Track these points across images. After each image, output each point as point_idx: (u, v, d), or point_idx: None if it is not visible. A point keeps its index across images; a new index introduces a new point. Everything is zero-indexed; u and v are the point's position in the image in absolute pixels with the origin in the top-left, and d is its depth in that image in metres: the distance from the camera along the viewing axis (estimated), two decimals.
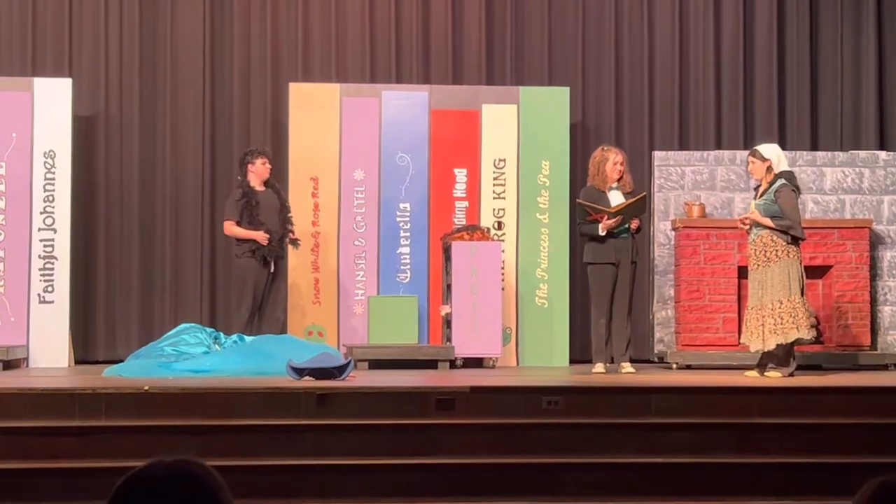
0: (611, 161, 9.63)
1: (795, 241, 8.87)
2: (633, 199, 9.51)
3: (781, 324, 8.74)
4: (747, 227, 9.00)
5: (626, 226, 9.50)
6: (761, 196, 8.99)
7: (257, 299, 10.03)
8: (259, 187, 10.16)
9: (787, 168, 9.10)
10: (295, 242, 10.22)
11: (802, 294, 8.82)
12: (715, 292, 10.48)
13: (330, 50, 11.54)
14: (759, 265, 8.90)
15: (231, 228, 10.11)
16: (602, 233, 9.45)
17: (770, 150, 9.14)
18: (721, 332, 10.44)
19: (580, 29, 11.79)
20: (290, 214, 10.26)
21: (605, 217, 9.42)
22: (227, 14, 11.49)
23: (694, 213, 10.63)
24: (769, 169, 8.99)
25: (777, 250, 8.82)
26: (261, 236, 9.97)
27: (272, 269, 10.03)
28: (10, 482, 6.43)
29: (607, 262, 9.52)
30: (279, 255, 10.09)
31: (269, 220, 10.06)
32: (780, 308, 8.75)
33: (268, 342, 9.21)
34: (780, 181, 8.90)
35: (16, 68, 11.12)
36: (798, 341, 8.78)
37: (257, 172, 10.15)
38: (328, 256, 10.86)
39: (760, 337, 8.82)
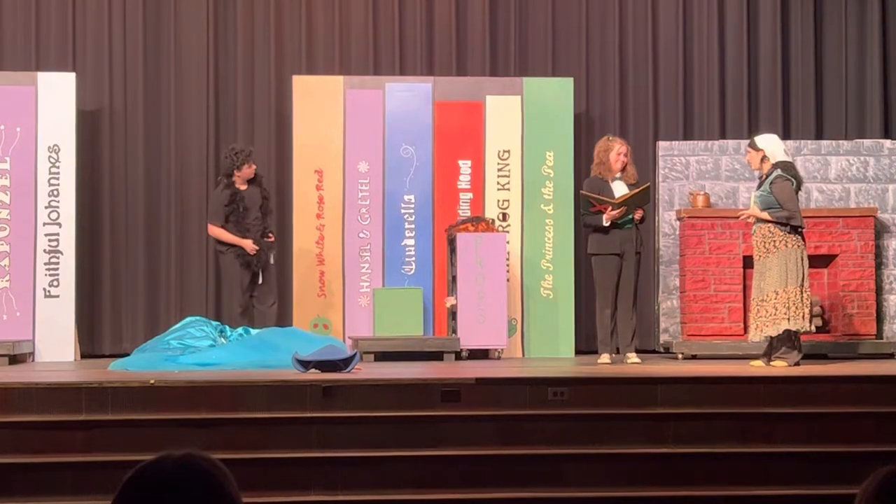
0: (615, 151, 9.64)
1: (795, 230, 8.85)
2: (637, 190, 9.51)
3: (775, 314, 8.75)
4: (749, 219, 9.01)
5: (630, 216, 9.50)
6: (759, 187, 9.01)
7: (245, 294, 10.06)
8: (243, 186, 10.17)
9: (785, 158, 9.06)
10: (271, 246, 10.19)
11: (803, 285, 8.80)
12: (720, 282, 10.48)
13: (333, 42, 11.53)
14: (760, 256, 8.92)
15: (216, 232, 10.11)
16: (606, 223, 9.45)
17: (765, 140, 9.14)
18: (726, 322, 10.43)
19: (584, 19, 11.77)
20: (271, 208, 10.29)
21: (609, 208, 9.42)
22: (230, 7, 11.48)
23: (699, 202, 10.62)
24: (763, 159, 8.99)
25: (775, 241, 8.82)
26: (249, 246, 9.99)
27: (259, 281, 10.07)
28: (18, 476, 6.44)
29: (612, 252, 9.53)
30: (265, 264, 10.10)
31: (254, 217, 10.09)
32: (775, 299, 8.75)
33: (273, 335, 9.23)
34: (776, 172, 8.89)
35: (20, 63, 11.12)
36: (793, 332, 8.76)
37: (243, 175, 10.16)
38: (333, 249, 10.86)
39: (758, 327, 8.85)
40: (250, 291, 10.11)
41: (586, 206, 9.59)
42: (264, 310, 10.09)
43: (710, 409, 7.19)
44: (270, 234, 10.22)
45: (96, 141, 11.21)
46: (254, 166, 10.23)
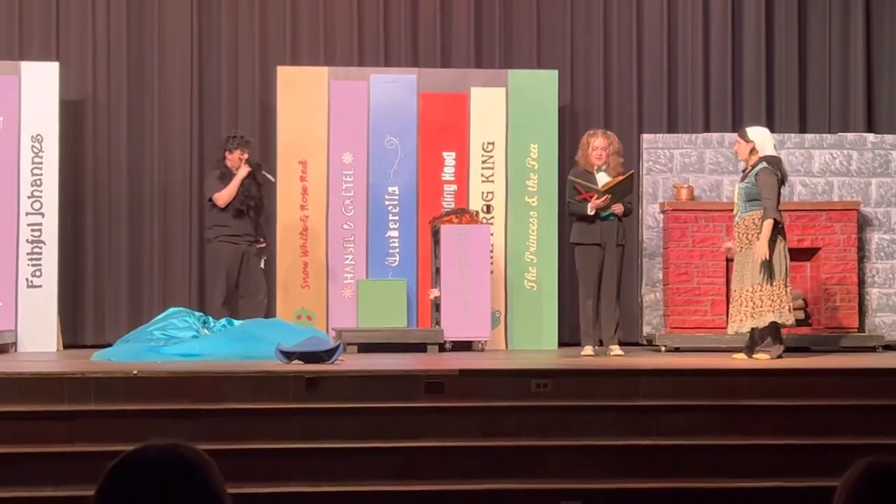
0: (591, 147, 9.64)
1: (776, 225, 8.86)
2: (621, 178, 9.50)
3: (760, 307, 8.77)
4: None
5: (610, 211, 9.49)
6: (743, 179, 9.03)
7: (231, 283, 10.06)
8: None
9: (773, 153, 9.07)
10: (262, 251, 10.25)
11: (785, 278, 8.83)
12: (703, 275, 10.50)
13: (318, 33, 11.52)
14: (741, 247, 8.95)
15: (219, 197, 10.10)
16: (591, 212, 9.45)
17: (756, 132, 9.16)
18: (709, 315, 10.46)
19: (569, 11, 11.77)
20: (265, 204, 10.30)
21: (595, 196, 9.42)
22: None
23: (682, 195, 10.63)
24: (752, 151, 9.01)
25: (758, 234, 8.84)
26: (243, 171, 10.00)
27: (245, 242, 10.03)
28: None
29: (592, 242, 9.53)
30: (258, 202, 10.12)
31: (245, 207, 10.14)
32: (760, 292, 8.78)
33: (257, 326, 9.22)
34: (761, 165, 8.90)
35: (3, 52, 11.08)
36: (777, 325, 8.80)
37: (233, 161, 10.20)
38: (317, 240, 10.85)
39: (739, 319, 8.87)
40: (238, 279, 10.09)
41: (572, 194, 9.58)
42: (254, 304, 10.08)
43: (693, 402, 7.21)
44: (261, 239, 10.24)
45: (79, 131, 11.17)
46: (245, 155, 10.21)
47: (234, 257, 10.06)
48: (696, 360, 8.79)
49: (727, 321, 9.38)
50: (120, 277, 11.18)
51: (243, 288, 10.13)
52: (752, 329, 8.87)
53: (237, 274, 10.08)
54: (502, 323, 10.90)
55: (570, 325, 10.86)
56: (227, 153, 10.21)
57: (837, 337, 10.33)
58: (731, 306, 9.11)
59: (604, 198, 9.41)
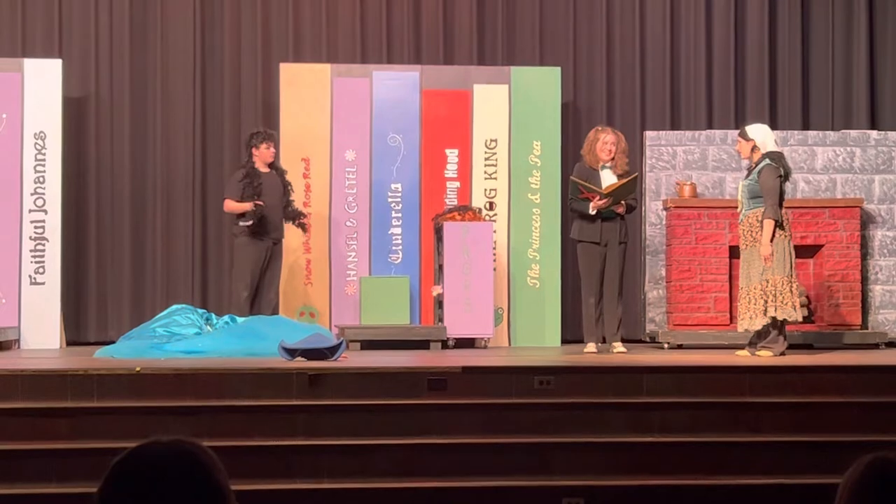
0: (601, 141, 9.66)
1: (780, 223, 8.87)
2: (625, 180, 9.51)
3: (767, 303, 8.77)
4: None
5: (612, 210, 9.49)
6: (747, 177, 9.04)
7: (255, 278, 10.02)
8: (264, 169, 10.17)
9: (775, 149, 9.09)
10: (303, 226, 10.27)
11: (791, 274, 8.83)
12: (706, 272, 10.50)
13: (321, 30, 11.51)
14: (746, 245, 8.94)
15: (228, 205, 10.10)
16: (592, 212, 9.46)
17: (756, 130, 9.16)
18: (712, 312, 10.45)
19: (571, 8, 11.76)
20: (291, 198, 10.27)
21: (597, 197, 9.43)
22: None
23: (685, 192, 10.63)
24: (754, 149, 9.01)
25: (762, 231, 8.83)
26: (249, 206, 9.96)
27: (271, 240, 10.02)
28: (2, 463, 6.43)
29: (593, 240, 9.54)
30: (272, 220, 10.09)
31: (272, 203, 10.07)
32: (767, 288, 8.78)
33: (260, 323, 9.23)
34: (765, 161, 8.91)
35: (5, 49, 11.08)
36: (785, 321, 8.80)
37: (261, 156, 10.17)
38: (320, 237, 10.85)
39: (748, 317, 8.86)
40: (261, 275, 10.05)
41: (575, 193, 9.59)
42: (264, 301, 10.06)
43: (696, 399, 7.21)
44: (303, 215, 10.25)
45: (82, 128, 11.17)
46: (273, 149, 10.21)
47: (260, 252, 10.04)
48: (700, 357, 8.79)
49: (731, 318, 9.38)
50: (123, 274, 11.19)
51: (261, 284, 10.09)
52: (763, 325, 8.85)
53: (261, 268, 10.05)
54: (505, 320, 10.90)
55: (572, 321, 10.86)
56: (253, 150, 10.18)
57: (840, 334, 10.32)
58: (739, 304, 9.09)
59: (606, 199, 9.41)
